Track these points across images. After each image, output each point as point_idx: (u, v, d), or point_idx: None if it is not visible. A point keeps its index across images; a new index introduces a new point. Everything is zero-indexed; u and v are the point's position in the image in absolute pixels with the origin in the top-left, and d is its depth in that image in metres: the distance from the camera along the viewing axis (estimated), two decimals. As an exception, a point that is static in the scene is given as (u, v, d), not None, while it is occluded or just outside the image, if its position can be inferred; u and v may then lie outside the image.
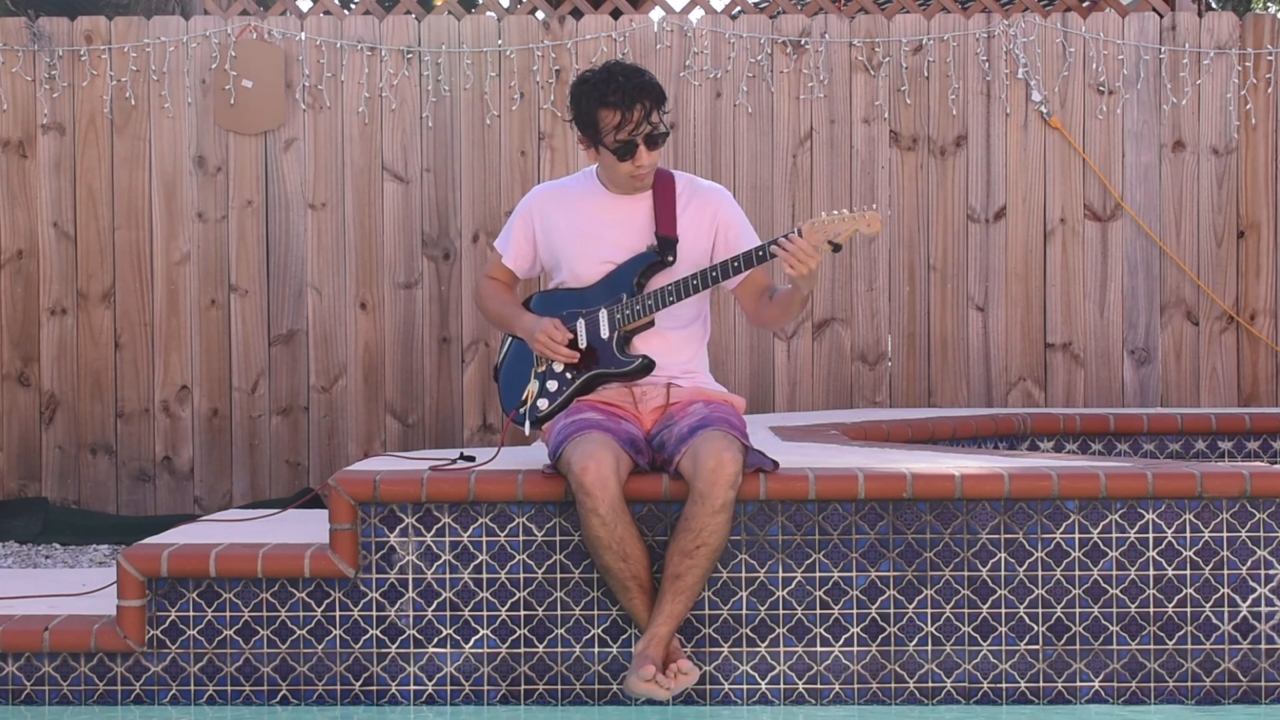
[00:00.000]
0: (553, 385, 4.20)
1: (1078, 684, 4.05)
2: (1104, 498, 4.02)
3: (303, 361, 6.84)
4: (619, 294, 4.17)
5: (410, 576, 4.07)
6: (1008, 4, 8.48)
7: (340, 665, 4.08)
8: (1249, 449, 6.20)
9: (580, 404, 4.16)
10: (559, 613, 4.07)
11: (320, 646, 4.08)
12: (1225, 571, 4.04)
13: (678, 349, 4.24)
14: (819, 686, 4.05)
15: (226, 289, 6.82)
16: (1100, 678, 4.05)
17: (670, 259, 4.16)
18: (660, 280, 4.17)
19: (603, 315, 4.17)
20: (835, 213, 4.06)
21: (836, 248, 4.02)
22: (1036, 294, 6.89)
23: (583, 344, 4.16)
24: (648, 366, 4.16)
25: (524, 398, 4.22)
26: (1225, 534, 4.04)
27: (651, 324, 4.17)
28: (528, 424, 4.21)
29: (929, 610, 4.05)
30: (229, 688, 4.08)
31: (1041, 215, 6.90)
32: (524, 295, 4.42)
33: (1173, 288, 6.90)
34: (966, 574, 4.05)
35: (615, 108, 4.03)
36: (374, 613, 4.07)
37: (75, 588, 4.50)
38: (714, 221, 4.23)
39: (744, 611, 4.06)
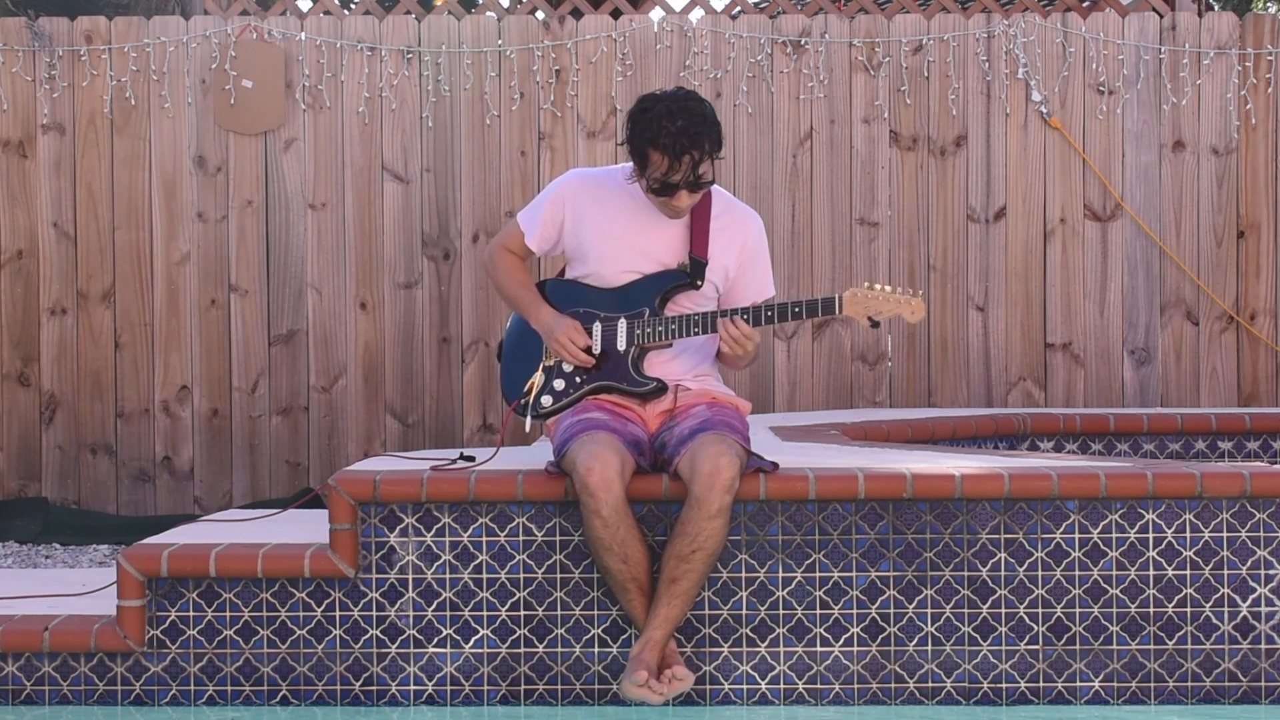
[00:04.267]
0: (559, 384, 4.19)
1: (1078, 684, 4.05)
2: (1104, 498, 4.02)
3: (303, 361, 6.84)
4: (640, 308, 4.14)
5: (410, 576, 4.07)
6: (1008, 4, 8.48)
7: (340, 665, 4.08)
8: (1249, 449, 6.20)
9: (587, 402, 4.14)
10: (559, 613, 4.07)
11: (320, 646, 4.08)
12: (1225, 571, 4.04)
13: (689, 354, 4.23)
14: (819, 686, 4.05)
15: (226, 289, 6.82)
16: (1100, 678, 4.05)
17: (699, 282, 4.14)
18: (684, 300, 4.16)
19: (622, 327, 4.14)
20: (879, 289, 4.04)
21: (875, 324, 4.04)
22: (1036, 294, 6.89)
23: (597, 350, 4.15)
24: (660, 390, 4.15)
25: (527, 389, 4.20)
26: (1225, 534, 4.04)
27: (670, 345, 4.16)
28: (529, 418, 4.19)
29: (929, 610, 4.05)
30: (229, 688, 4.08)
31: (1041, 215, 6.90)
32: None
33: (1173, 288, 6.90)
34: (966, 574, 4.05)
35: (664, 152, 3.94)
36: (374, 613, 4.07)
37: (75, 588, 4.50)
38: (741, 251, 4.20)
39: (744, 611, 4.06)
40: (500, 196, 6.84)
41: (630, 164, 4.15)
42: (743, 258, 4.21)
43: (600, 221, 4.17)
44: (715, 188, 4.22)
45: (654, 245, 4.15)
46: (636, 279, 4.15)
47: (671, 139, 3.92)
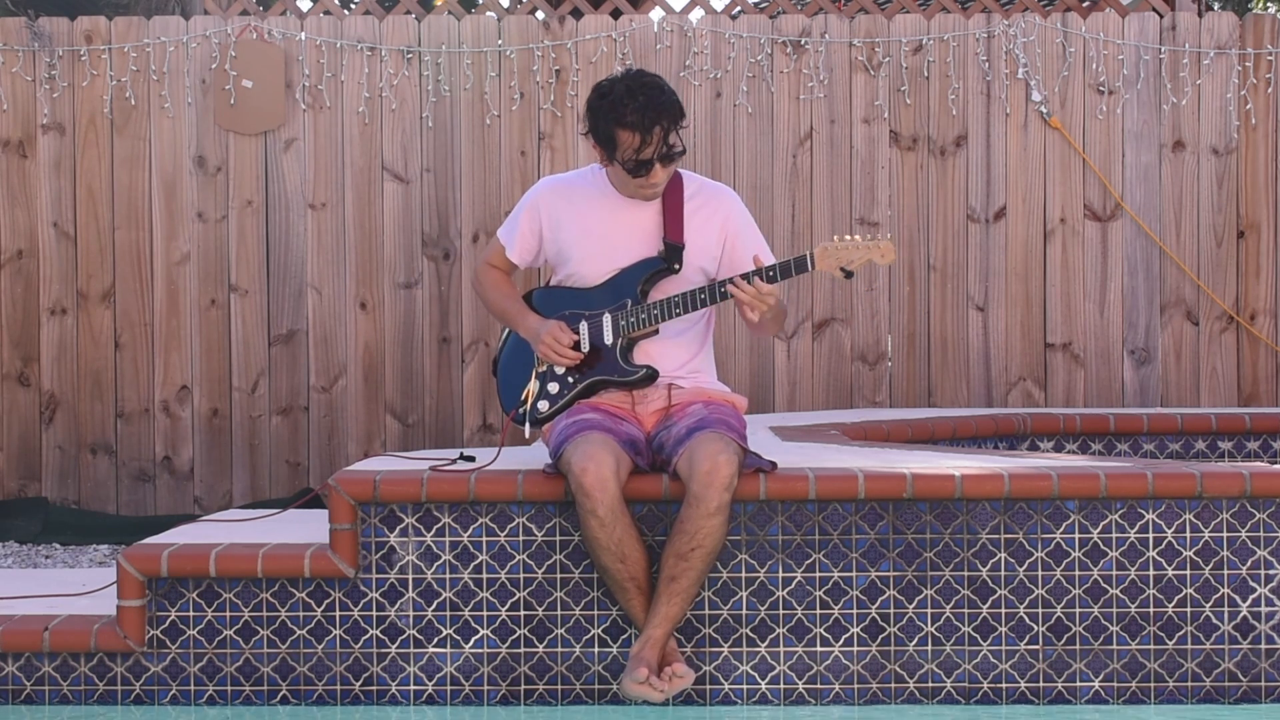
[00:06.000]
0: (553, 387, 4.20)
1: (1078, 684, 4.05)
2: (1104, 498, 4.03)
3: (303, 361, 6.84)
4: (623, 299, 4.15)
5: (410, 576, 4.07)
6: (1008, 4, 8.48)
7: (340, 665, 4.08)
8: (1249, 449, 6.20)
9: (581, 405, 4.16)
10: (559, 613, 4.07)
11: (320, 646, 4.08)
12: (1225, 571, 4.04)
13: (681, 350, 4.23)
14: (819, 686, 4.05)
15: (226, 289, 6.82)
16: (1100, 678, 4.05)
17: (677, 266, 4.15)
18: (665, 286, 4.16)
19: (607, 320, 4.15)
20: (849, 239, 4.07)
21: (849, 274, 4.04)
22: (1036, 294, 6.89)
23: (585, 348, 4.16)
24: (651, 377, 4.15)
25: (523, 397, 4.22)
26: (1225, 534, 4.04)
27: (656, 332, 4.16)
28: (527, 425, 4.21)
29: (929, 610, 4.05)
30: (229, 688, 4.08)
31: (1041, 215, 6.90)
32: (522, 284, 4.41)
33: (1173, 288, 6.90)
34: (966, 574, 4.05)
35: (634, 129, 3.98)
36: (374, 613, 4.07)
37: (75, 588, 4.51)
38: (723, 228, 4.22)
39: (744, 611, 4.06)
40: (500, 196, 6.84)
41: (597, 164, 4.20)
42: (726, 233, 4.22)
43: (576, 222, 4.20)
44: (687, 174, 4.25)
45: (631, 238, 4.17)
46: (617, 273, 4.17)
47: (638, 115, 3.97)
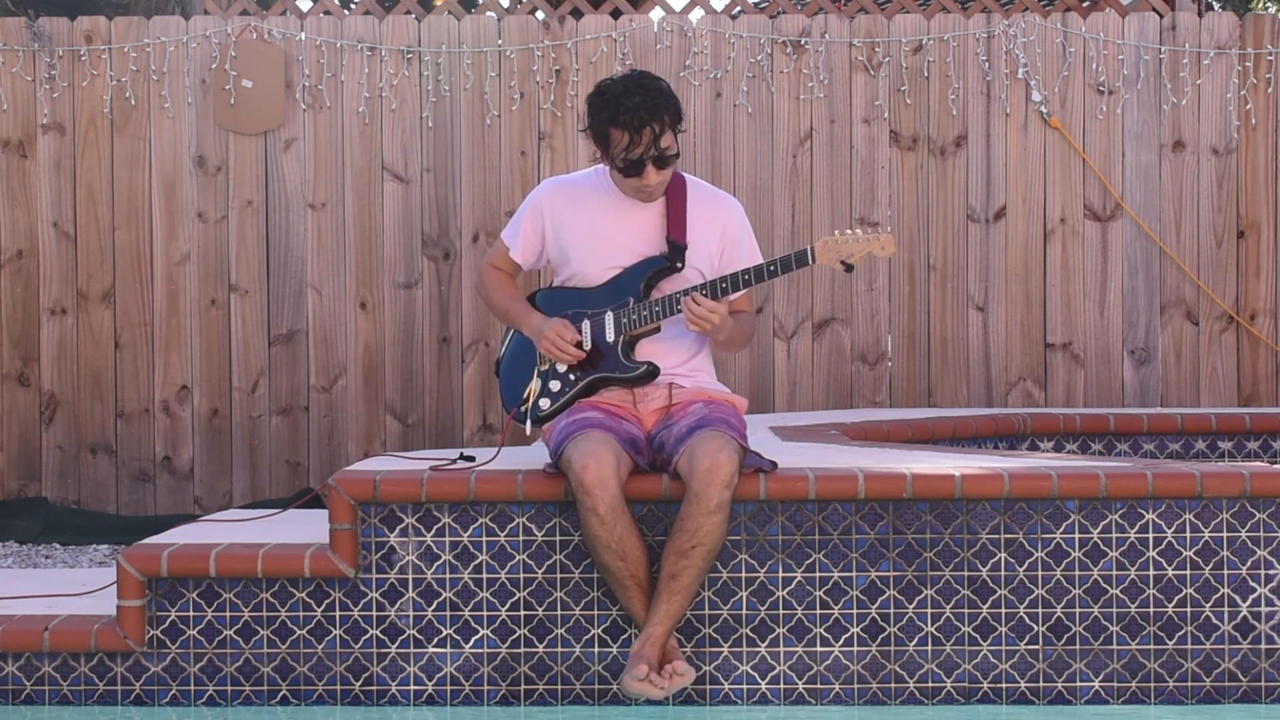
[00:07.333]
0: (555, 385, 4.21)
1: (1078, 684, 4.05)
2: (1104, 498, 4.03)
3: (303, 361, 6.84)
4: (626, 298, 4.16)
5: (410, 576, 4.07)
6: (1008, 4, 8.48)
7: (340, 665, 4.08)
8: (1249, 449, 6.20)
9: (582, 404, 4.16)
10: (559, 613, 4.07)
11: (320, 646, 4.08)
12: (1225, 571, 4.04)
13: (682, 350, 4.24)
14: (819, 686, 4.06)
15: (226, 289, 6.82)
16: (1100, 678, 4.05)
17: (679, 265, 4.16)
18: (667, 286, 4.17)
19: (609, 318, 4.16)
20: (849, 232, 4.09)
21: (849, 268, 4.07)
22: (1036, 294, 6.89)
23: (587, 346, 4.17)
24: (652, 373, 4.16)
25: (525, 395, 4.22)
26: (1225, 534, 4.04)
27: (658, 330, 4.17)
28: (529, 423, 4.21)
29: (929, 610, 4.05)
30: (229, 688, 4.08)
31: (1041, 215, 6.90)
32: (525, 287, 4.42)
33: (1173, 288, 6.90)
34: (966, 574, 4.05)
35: (625, 129, 4.01)
36: (374, 613, 4.07)
37: (75, 588, 4.51)
38: (723, 234, 4.24)
39: (744, 611, 4.06)
40: (500, 196, 6.84)
41: (603, 165, 4.21)
42: (725, 242, 4.24)
43: (579, 222, 4.21)
44: (692, 179, 4.27)
45: (634, 238, 4.18)
46: (619, 272, 4.18)
47: (630, 114, 3.99)
